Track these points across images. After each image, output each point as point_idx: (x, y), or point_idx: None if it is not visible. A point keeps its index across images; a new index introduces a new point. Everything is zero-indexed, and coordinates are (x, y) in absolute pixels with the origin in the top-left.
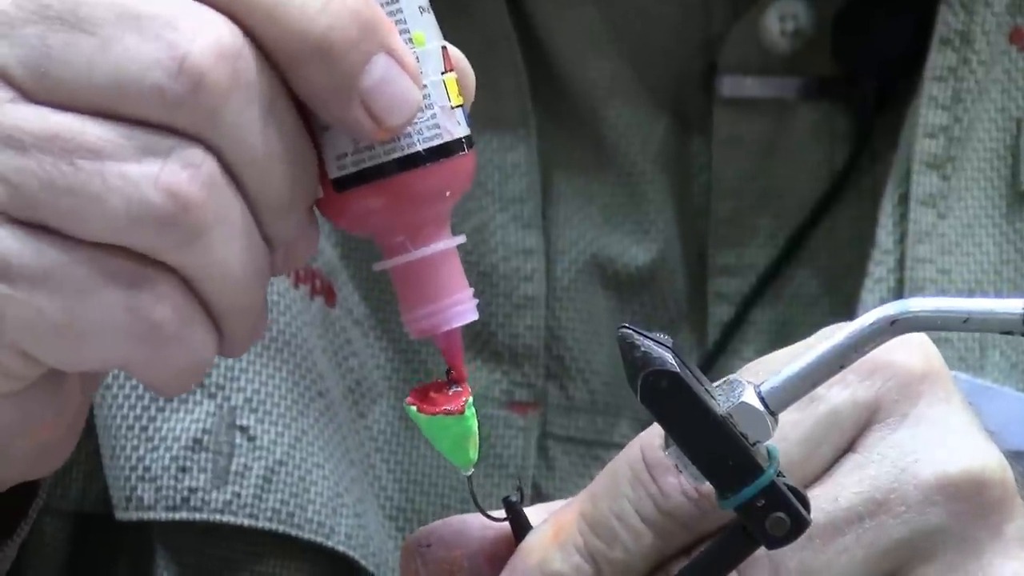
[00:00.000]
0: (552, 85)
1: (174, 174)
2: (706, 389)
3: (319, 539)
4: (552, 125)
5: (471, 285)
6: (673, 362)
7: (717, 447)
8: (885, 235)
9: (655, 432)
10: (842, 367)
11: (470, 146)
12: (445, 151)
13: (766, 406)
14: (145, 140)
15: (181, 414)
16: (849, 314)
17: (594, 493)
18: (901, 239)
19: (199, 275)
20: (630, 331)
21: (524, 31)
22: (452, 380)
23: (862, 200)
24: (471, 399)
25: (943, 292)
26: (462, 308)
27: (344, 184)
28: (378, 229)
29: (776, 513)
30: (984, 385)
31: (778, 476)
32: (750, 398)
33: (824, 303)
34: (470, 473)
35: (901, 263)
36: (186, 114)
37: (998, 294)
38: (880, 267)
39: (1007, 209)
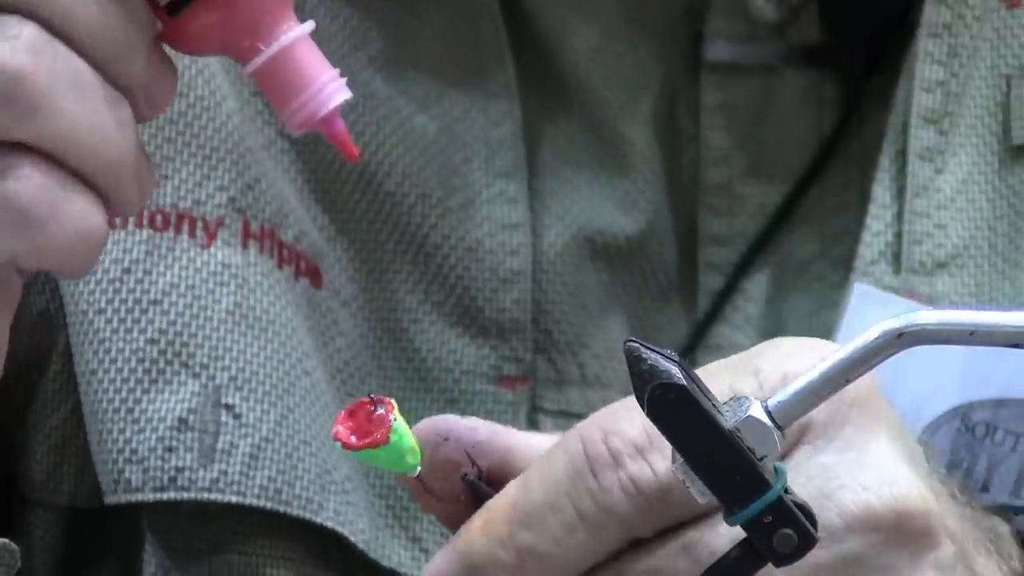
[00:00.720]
0: (537, 58)
1: None
2: (713, 403)
3: (307, 515)
4: (538, 98)
5: (456, 261)
6: (680, 375)
7: (724, 461)
8: (882, 190)
9: (597, 424)
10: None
11: None
12: None
13: (773, 421)
14: None
15: (166, 395)
16: (840, 279)
17: (528, 482)
18: (898, 194)
19: (57, 143)
20: (637, 344)
21: (508, 6)
22: (376, 401)
23: (850, 166)
24: (395, 416)
25: (940, 247)
26: (331, 88)
27: (176, 6)
28: (225, 40)
29: (783, 529)
30: None
31: (785, 492)
32: (757, 412)
33: (814, 270)
34: (417, 474)
35: (899, 217)
36: None
37: (992, 249)
38: (878, 221)
39: (999, 165)
